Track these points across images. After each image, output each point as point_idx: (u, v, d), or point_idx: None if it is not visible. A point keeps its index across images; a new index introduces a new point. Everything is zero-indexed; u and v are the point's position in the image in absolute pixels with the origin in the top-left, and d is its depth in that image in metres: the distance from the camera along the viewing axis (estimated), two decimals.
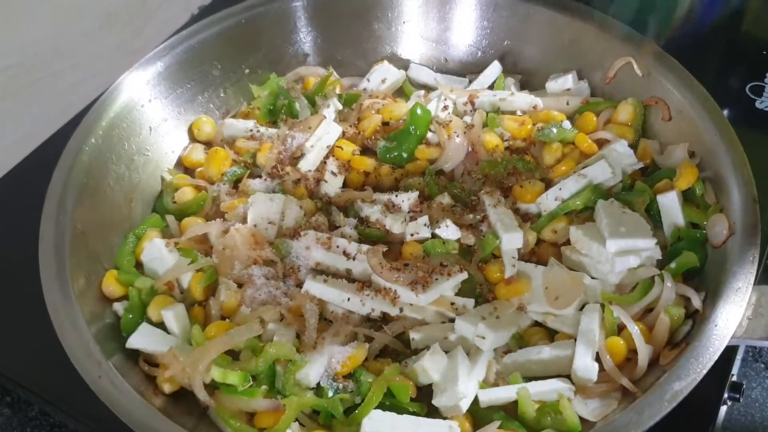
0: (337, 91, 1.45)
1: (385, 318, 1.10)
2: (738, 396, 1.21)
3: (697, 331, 0.96)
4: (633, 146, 1.26)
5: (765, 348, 1.41)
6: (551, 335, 1.08)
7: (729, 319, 0.93)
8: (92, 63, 1.77)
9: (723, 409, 1.19)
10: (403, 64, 1.51)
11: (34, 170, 1.34)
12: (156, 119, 1.34)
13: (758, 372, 1.42)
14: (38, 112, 1.66)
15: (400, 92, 1.48)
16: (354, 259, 1.13)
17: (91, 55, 1.80)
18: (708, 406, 1.09)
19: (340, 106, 1.40)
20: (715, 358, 0.91)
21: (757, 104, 1.51)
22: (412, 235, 1.15)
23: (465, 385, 0.97)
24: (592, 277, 1.10)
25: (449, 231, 1.14)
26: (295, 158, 1.30)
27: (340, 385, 1.01)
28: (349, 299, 1.08)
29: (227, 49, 1.42)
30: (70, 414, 1.12)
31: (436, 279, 1.07)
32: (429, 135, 1.32)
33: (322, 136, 1.30)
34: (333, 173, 1.29)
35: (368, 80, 1.46)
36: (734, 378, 1.20)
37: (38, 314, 1.02)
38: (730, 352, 1.14)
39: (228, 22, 1.41)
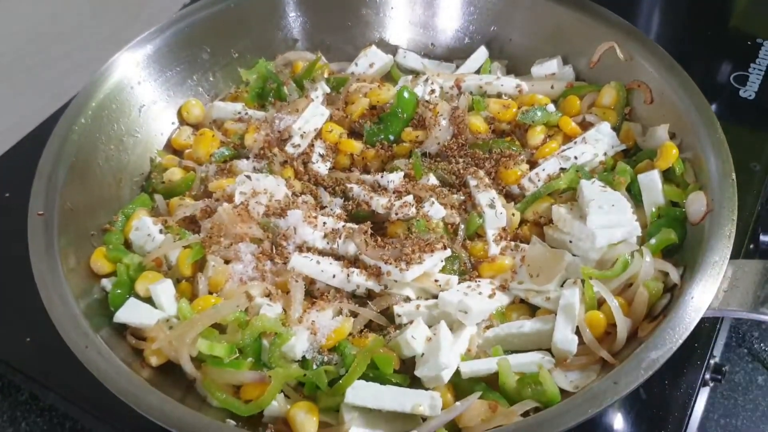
0: (325, 75, 1.46)
1: (370, 294, 1.12)
2: (720, 377, 1.23)
3: (674, 304, 0.98)
4: (616, 128, 1.29)
5: (748, 333, 1.43)
6: (533, 311, 1.10)
7: (705, 291, 0.95)
8: (84, 51, 1.79)
9: (705, 390, 1.21)
10: (391, 50, 1.52)
11: (25, 157, 1.35)
12: (145, 101, 1.35)
13: (741, 357, 1.44)
14: (29, 99, 1.67)
15: (388, 77, 1.49)
16: (340, 237, 1.14)
17: (84, 43, 1.82)
18: (688, 387, 1.11)
19: (328, 90, 1.41)
20: (691, 328, 0.92)
21: (741, 93, 1.53)
22: (396, 214, 1.16)
23: (447, 356, 0.99)
24: (574, 255, 1.11)
25: (434, 210, 1.16)
26: (283, 140, 1.31)
27: (325, 358, 1.03)
28: (334, 276, 1.09)
29: (216, 33, 1.44)
30: (60, 395, 1.14)
31: (420, 256, 1.09)
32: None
33: (309, 119, 1.31)
34: (320, 155, 1.30)
35: (356, 64, 1.47)
36: (716, 360, 1.22)
37: (30, 297, 1.03)
38: (710, 332, 1.16)
39: (217, 6, 1.43)
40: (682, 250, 1.10)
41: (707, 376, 1.17)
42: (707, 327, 1.15)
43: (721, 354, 1.35)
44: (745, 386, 1.40)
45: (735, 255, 1.04)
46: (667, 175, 1.18)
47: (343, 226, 1.15)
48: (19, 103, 1.70)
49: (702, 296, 0.95)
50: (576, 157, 1.22)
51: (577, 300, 1.04)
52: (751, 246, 1.35)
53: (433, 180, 1.23)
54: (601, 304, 1.05)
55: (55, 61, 1.80)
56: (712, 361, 1.18)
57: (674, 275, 1.03)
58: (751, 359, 1.45)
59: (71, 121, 1.22)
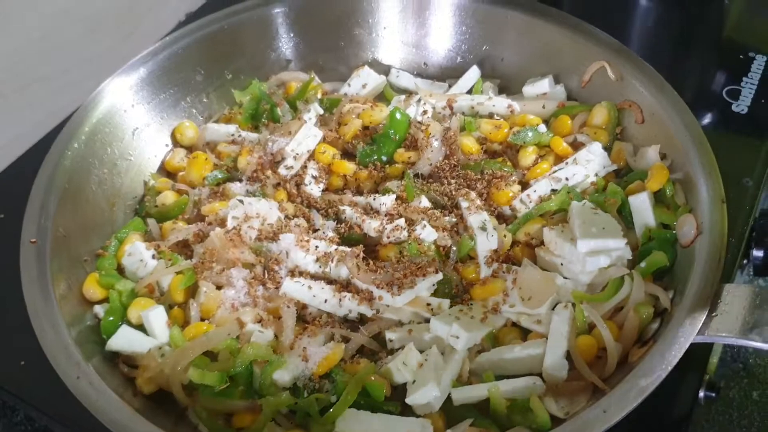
0: (319, 95, 1.47)
1: (363, 318, 1.12)
2: (714, 395, 1.23)
3: (664, 329, 0.98)
4: (607, 148, 1.29)
5: (743, 349, 1.44)
6: (525, 335, 1.10)
7: (695, 316, 0.95)
8: (80, 68, 1.79)
9: (700, 407, 1.21)
10: (384, 69, 1.53)
11: (23, 174, 1.36)
12: (139, 124, 1.36)
13: (736, 372, 1.45)
14: (26, 117, 1.67)
15: (381, 97, 1.50)
16: (332, 261, 1.15)
17: (79, 60, 1.82)
18: (683, 404, 1.11)
19: (321, 111, 1.42)
20: (680, 355, 0.92)
21: (734, 107, 1.53)
22: (388, 237, 1.17)
23: (438, 383, 0.99)
24: (565, 277, 1.12)
25: (426, 233, 1.16)
26: (276, 162, 1.32)
27: (317, 385, 1.03)
28: (326, 301, 1.10)
29: (210, 54, 1.44)
30: (55, 418, 1.13)
31: (412, 280, 1.09)
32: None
33: (302, 141, 1.32)
34: (313, 177, 1.31)
35: (349, 85, 1.48)
36: (711, 377, 1.22)
37: (24, 320, 1.04)
38: (705, 350, 1.16)
39: (211, 28, 1.43)
40: (673, 272, 1.10)
41: (702, 394, 1.17)
42: (703, 348, 1.15)
43: (716, 369, 1.35)
44: (740, 402, 1.40)
45: (728, 270, 1.04)
46: (658, 197, 1.18)
47: (336, 250, 1.16)
48: (16, 120, 1.70)
49: (691, 322, 0.95)
50: (567, 179, 1.22)
51: (567, 324, 1.04)
52: (744, 261, 1.35)
53: (425, 202, 1.23)
54: (592, 328, 1.05)
55: (50, 78, 1.80)
56: (706, 378, 1.18)
57: (664, 300, 1.03)
58: (746, 375, 1.45)
59: (64, 146, 1.22)
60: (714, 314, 0.96)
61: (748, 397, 1.42)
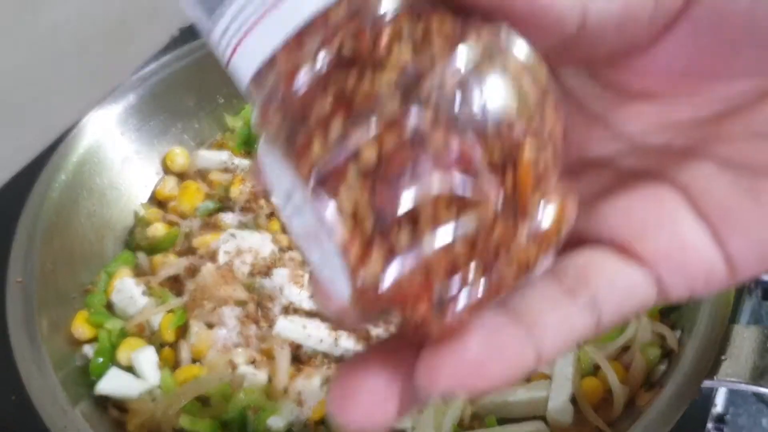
0: None
1: None
2: (722, 427, 1.20)
3: (671, 373, 0.94)
4: None
5: None
6: (529, 374, 1.06)
7: (703, 360, 0.92)
8: (70, 87, 1.75)
9: None
10: None
11: (12, 198, 1.32)
12: (128, 152, 1.32)
13: (745, 398, 1.41)
14: (14, 139, 1.64)
15: None
16: None
17: (69, 79, 1.78)
18: None
19: None
20: (689, 402, 0.89)
21: None
22: None
23: (438, 429, 0.95)
24: None
25: None
26: (269, 191, 1.28)
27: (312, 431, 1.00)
28: (321, 340, 1.06)
29: (201, 79, 1.40)
30: None
31: None
32: None
33: None
34: None
35: None
36: (719, 408, 1.18)
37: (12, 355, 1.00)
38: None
39: (202, 51, 1.39)
40: (681, 309, 1.07)
41: (709, 426, 1.14)
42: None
43: (726, 396, 1.31)
44: (749, 429, 1.37)
45: (736, 295, 0.99)
46: None
47: None
48: (3, 143, 1.67)
49: (699, 366, 0.91)
50: None
51: (571, 366, 1.00)
52: (752, 285, 1.31)
53: None
54: (597, 369, 1.02)
55: (40, 99, 1.76)
56: (714, 411, 1.15)
57: (671, 340, 1.00)
58: (756, 400, 1.41)
59: (50, 178, 1.19)
60: (723, 357, 0.93)
61: (758, 423, 1.38)
